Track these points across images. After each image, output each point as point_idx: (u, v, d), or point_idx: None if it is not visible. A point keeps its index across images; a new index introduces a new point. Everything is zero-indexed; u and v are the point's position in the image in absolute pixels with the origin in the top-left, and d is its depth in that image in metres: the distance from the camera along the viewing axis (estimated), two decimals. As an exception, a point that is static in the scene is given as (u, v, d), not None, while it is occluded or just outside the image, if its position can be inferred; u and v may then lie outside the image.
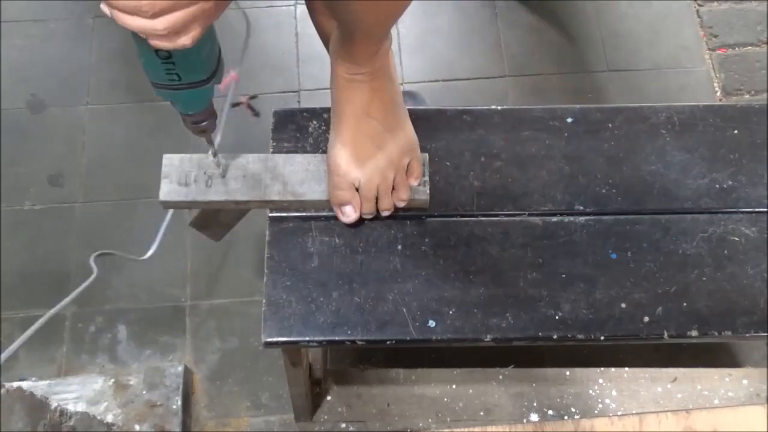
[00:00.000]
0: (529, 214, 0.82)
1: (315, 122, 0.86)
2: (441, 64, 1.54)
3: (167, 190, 0.79)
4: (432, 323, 0.76)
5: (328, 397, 1.15)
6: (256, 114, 1.41)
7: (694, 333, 0.76)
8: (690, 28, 1.58)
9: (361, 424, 1.14)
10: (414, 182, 0.79)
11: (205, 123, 0.70)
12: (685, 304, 0.78)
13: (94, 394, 1.18)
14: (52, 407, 1.12)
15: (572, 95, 1.50)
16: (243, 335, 1.30)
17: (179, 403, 1.18)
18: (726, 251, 0.80)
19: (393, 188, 0.78)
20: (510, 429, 0.74)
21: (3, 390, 0.95)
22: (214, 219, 0.88)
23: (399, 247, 0.80)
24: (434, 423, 1.13)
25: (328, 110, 0.86)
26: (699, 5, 1.61)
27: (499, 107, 0.88)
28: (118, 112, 1.48)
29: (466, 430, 0.90)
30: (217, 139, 0.79)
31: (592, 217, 0.82)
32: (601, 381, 1.15)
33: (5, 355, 0.73)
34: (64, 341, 1.28)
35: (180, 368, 1.21)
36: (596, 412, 1.13)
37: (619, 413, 1.13)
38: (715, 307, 0.77)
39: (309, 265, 0.79)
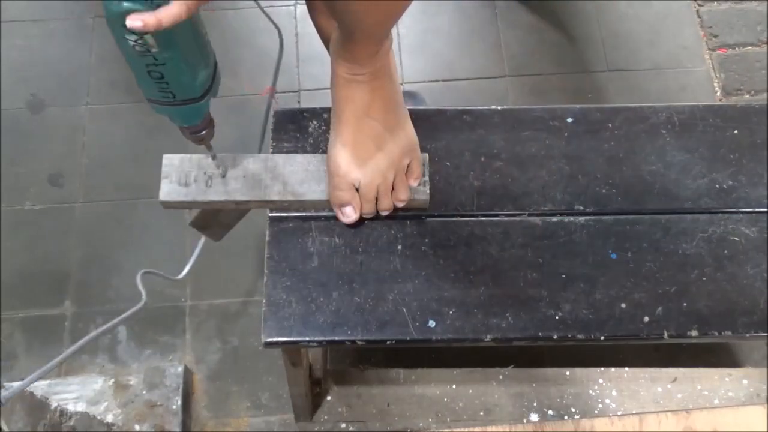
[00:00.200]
0: (529, 214, 0.82)
1: (315, 122, 0.86)
2: (441, 64, 1.54)
3: (167, 190, 0.79)
4: (432, 323, 0.76)
5: (328, 397, 1.15)
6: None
7: (694, 333, 0.76)
8: (690, 28, 1.58)
9: (361, 424, 1.14)
10: (414, 182, 0.79)
11: (203, 132, 0.70)
12: (685, 304, 0.77)
13: (94, 394, 1.18)
14: (52, 407, 1.12)
15: (572, 95, 1.50)
16: (243, 335, 1.30)
17: (179, 403, 1.18)
18: (726, 251, 0.80)
19: (392, 188, 0.78)
20: (510, 429, 0.74)
21: (3, 390, 0.95)
22: (214, 219, 0.88)
23: (399, 247, 0.80)
24: (434, 423, 1.13)
25: (328, 110, 0.85)
26: (699, 5, 1.61)
27: (499, 107, 0.88)
28: (118, 112, 1.48)
29: (466, 430, 0.89)
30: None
31: (592, 217, 0.82)
32: (601, 381, 1.15)
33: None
34: (64, 341, 1.28)
35: (180, 368, 1.21)
36: (596, 412, 1.13)
37: (619, 413, 1.13)
38: (715, 307, 0.77)
39: (309, 265, 0.79)
